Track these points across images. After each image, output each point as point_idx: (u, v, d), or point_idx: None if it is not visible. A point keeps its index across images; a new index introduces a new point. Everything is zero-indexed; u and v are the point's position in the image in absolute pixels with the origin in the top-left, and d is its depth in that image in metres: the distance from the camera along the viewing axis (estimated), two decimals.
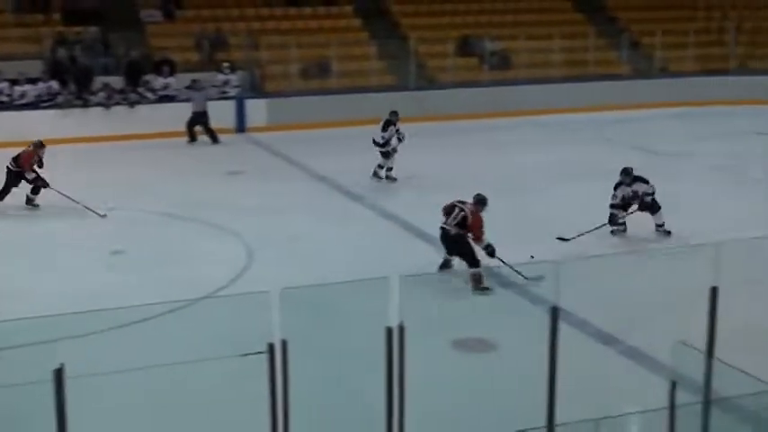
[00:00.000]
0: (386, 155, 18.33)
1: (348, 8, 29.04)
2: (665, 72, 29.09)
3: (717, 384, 6.42)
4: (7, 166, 16.12)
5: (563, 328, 6.49)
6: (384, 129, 18.24)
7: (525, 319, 10.55)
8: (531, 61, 27.70)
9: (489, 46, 27.74)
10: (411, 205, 16.15)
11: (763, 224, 14.39)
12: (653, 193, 14.22)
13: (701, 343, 6.64)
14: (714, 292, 6.56)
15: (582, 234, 13.62)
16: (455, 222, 12.02)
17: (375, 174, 18.41)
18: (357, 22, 28.60)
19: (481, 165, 19.51)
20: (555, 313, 6.37)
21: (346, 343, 9.42)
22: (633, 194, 14.26)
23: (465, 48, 27.90)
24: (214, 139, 22.75)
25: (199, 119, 22.77)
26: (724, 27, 30.93)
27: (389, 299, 5.95)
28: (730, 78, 28.94)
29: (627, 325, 10.31)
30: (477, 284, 11.71)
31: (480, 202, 12.23)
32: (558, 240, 13.49)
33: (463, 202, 12.21)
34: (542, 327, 6.48)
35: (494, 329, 10.25)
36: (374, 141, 18.34)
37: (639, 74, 28.72)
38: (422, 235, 14.17)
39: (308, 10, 28.71)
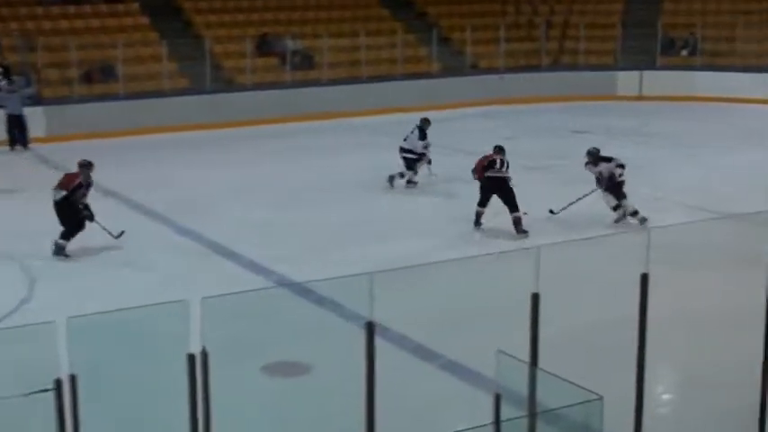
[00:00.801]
0: (413, 163, 18.28)
1: (134, 5, 28.47)
2: (475, 69, 29.96)
3: (542, 395, 6.62)
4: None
5: (380, 344, 6.54)
6: (423, 137, 18.34)
7: (340, 337, 10.59)
8: (336, 60, 27.96)
9: (290, 45, 27.81)
10: (212, 222, 15.98)
11: (587, 225, 15.02)
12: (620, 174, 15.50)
13: (524, 352, 6.84)
14: (536, 298, 6.76)
15: (572, 203, 15.50)
16: (506, 169, 15.37)
17: (391, 180, 18.32)
18: (145, 21, 28.08)
19: (279, 173, 19.46)
20: (370, 329, 6.42)
21: (145, 373, 9.19)
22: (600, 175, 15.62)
23: (264, 47, 27.87)
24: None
25: None
26: (534, 22, 32.17)
27: (191, 323, 5.85)
28: (542, 74, 30.14)
29: (447, 337, 10.50)
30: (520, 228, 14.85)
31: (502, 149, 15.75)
32: (549, 213, 15.63)
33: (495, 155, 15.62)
34: (358, 344, 6.52)
35: (307, 351, 10.24)
36: (404, 149, 18.39)
37: (450, 71, 29.45)
38: (227, 253, 14.05)
39: (88, 8, 27.95)
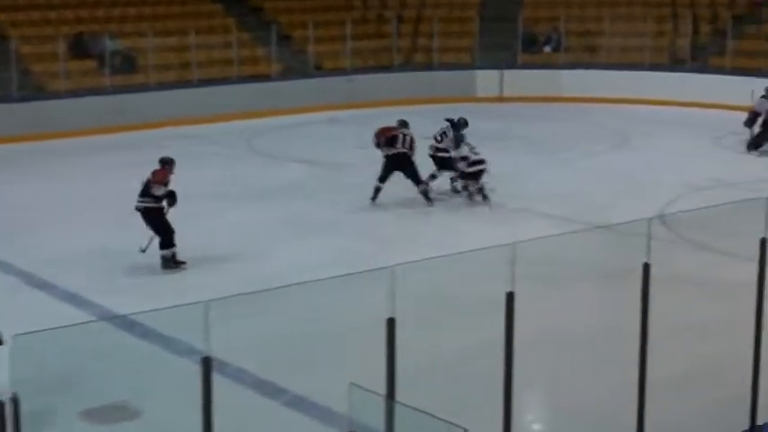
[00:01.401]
0: (447, 163, 18.49)
1: None
2: (320, 70, 30.06)
3: (401, 431, 6.66)
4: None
5: (218, 381, 6.47)
6: (459, 144, 18.57)
7: (172, 374, 10.44)
8: (163, 62, 27.65)
9: (110, 45, 27.36)
10: (23, 249, 15.62)
11: (437, 245, 15.20)
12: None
13: (380, 384, 6.86)
14: (391, 324, 6.79)
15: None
16: (408, 146, 17.60)
17: (453, 189, 18.81)
18: None
19: (104, 191, 19.08)
20: (207, 365, 6.34)
21: None
22: None
23: (79, 48, 27.35)
24: None
25: None
26: (384, 16, 32.49)
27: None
28: (394, 75, 30.46)
29: (294, 370, 10.47)
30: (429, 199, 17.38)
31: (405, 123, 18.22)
32: None
33: (397, 129, 17.81)
34: (193, 382, 6.43)
35: (135, 392, 10.06)
36: (439, 149, 18.63)
37: (292, 73, 29.48)
38: (40, 284, 13.76)
39: None
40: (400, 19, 32.42)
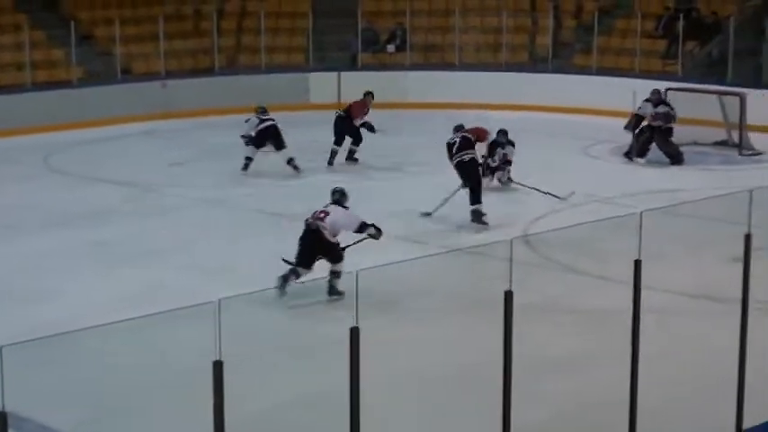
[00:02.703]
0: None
1: None
2: (129, 75, 29.67)
3: None
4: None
5: None
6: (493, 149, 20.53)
7: None
8: None
9: None
10: None
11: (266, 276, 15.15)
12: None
13: None
14: (218, 366, 6.72)
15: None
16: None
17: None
18: None
19: None
20: (2, 421, 6.20)
21: None
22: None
23: None
24: None
25: None
26: (202, 11, 32.20)
27: None
28: (215, 80, 30.27)
29: (104, 424, 10.33)
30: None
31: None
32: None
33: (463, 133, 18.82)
34: None
35: None
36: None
37: (97, 79, 29.03)
38: None
39: None
40: (221, 14, 32.22)
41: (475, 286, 13.16)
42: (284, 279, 13.84)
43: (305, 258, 14.21)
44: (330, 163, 22.83)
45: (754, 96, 25.10)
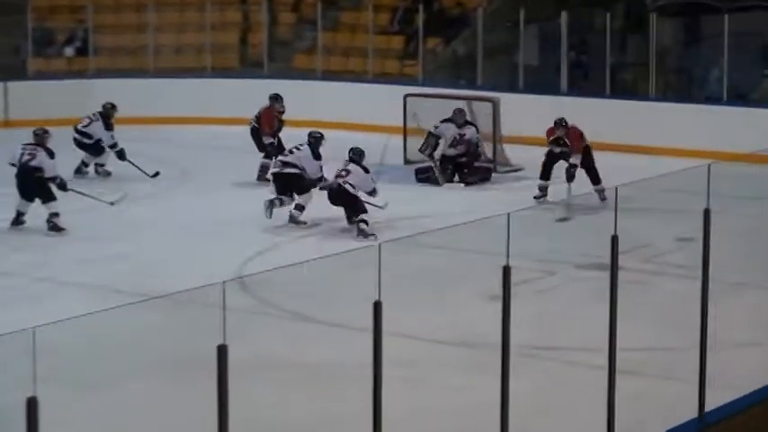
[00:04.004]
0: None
1: None
2: None
3: None
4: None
5: None
6: (317, 156, 21.09)
7: None
8: None
9: None
10: None
11: None
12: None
13: None
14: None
15: None
16: None
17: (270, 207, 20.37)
18: None
19: None
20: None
21: None
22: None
23: None
24: None
25: None
26: None
27: None
28: None
29: None
30: None
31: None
32: None
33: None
34: None
35: None
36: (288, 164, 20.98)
37: None
38: None
39: None
40: None
41: (181, 341, 13.00)
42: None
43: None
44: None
45: (509, 102, 25.59)
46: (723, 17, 26.41)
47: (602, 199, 21.09)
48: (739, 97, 27.10)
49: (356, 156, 20.23)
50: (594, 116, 24.60)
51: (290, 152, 21.31)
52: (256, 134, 24.42)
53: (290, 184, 20.70)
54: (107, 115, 24.61)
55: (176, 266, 17.69)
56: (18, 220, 19.94)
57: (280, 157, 21.75)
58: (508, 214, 9.10)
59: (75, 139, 24.34)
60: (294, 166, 20.83)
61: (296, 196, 20.59)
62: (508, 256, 9.12)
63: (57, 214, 19.49)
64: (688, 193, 10.65)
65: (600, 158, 22.24)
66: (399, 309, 8.99)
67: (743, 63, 27.54)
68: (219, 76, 30.63)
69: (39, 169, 19.78)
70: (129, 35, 31.77)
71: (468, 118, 24.35)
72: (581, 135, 21.87)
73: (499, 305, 9.37)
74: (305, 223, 20.35)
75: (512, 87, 27.78)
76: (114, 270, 17.65)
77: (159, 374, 13.15)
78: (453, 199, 22.53)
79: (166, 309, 14.76)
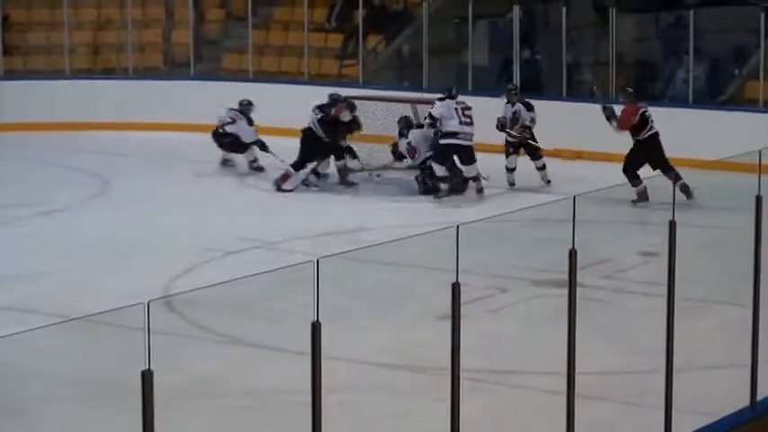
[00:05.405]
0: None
1: None
2: None
3: None
4: None
5: None
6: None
7: None
8: None
9: None
10: None
11: None
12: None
13: None
14: None
15: None
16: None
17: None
18: None
19: None
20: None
21: None
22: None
23: None
24: None
25: None
26: None
27: None
28: None
29: None
30: None
31: None
32: None
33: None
34: None
35: None
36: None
37: None
38: None
39: None
40: None
41: (103, 367, 12.96)
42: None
43: None
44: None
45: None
46: (689, 12, 26.51)
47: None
48: (707, 99, 27.18)
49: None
50: (549, 119, 24.61)
51: None
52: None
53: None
54: (247, 111, 26.13)
55: (99, 286, 17.61)
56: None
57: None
58: (457, 226, 9.08)
59: (218, 141, 26.09)
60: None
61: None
62: (458, 271, 9.12)
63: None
64: (651, 204, 10.74)
65: (557, 166, 22.38)
66: (340, 330, 8.99)
67: (711, 62, 27.70)
68: (142, 77, 30.50)
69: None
70: (42, 33, 31.61)
71: (414, 122, 24.38)
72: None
73: (448, 325, 9.38)
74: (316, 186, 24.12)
75: (461, 89, 27.74)
76: (26, 289, 17.56)
77: (77, 402, 13.10)
78: (393, 210, 22.49)
79: (85, 331, 14.73)
